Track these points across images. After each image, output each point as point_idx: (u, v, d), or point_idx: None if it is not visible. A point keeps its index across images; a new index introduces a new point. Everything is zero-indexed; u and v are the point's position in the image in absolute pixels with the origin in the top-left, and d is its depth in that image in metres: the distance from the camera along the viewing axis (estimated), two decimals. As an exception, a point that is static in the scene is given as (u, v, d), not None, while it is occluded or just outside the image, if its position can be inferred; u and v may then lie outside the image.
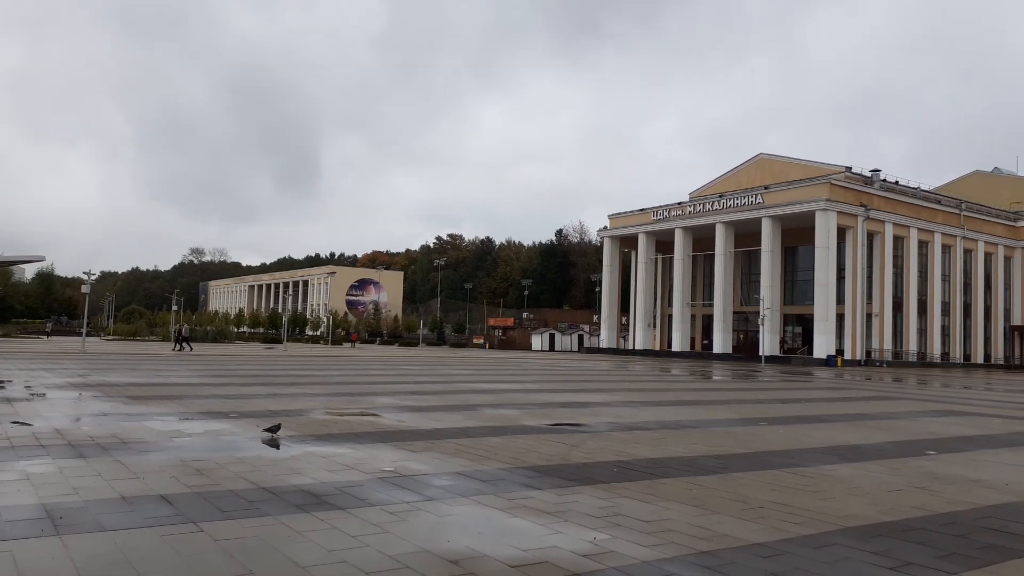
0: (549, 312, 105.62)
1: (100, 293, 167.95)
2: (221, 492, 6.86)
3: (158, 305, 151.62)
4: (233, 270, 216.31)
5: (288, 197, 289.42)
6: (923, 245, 65.95)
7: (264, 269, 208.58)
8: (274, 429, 10.50)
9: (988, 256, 71.37)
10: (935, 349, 66.07)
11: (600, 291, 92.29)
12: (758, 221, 63.17)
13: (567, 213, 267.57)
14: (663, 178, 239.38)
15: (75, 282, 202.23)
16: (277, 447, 9.68)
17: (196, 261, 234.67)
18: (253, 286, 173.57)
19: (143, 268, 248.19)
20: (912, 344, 64.63)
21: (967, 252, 69.49)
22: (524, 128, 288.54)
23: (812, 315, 62.09)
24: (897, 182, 68.34)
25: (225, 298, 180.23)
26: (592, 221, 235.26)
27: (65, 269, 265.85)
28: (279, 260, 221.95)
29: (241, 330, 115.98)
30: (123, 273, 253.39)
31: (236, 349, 53.85)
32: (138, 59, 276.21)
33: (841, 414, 17.12)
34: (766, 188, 64.60)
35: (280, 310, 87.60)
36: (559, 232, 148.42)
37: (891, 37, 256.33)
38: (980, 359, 69.96)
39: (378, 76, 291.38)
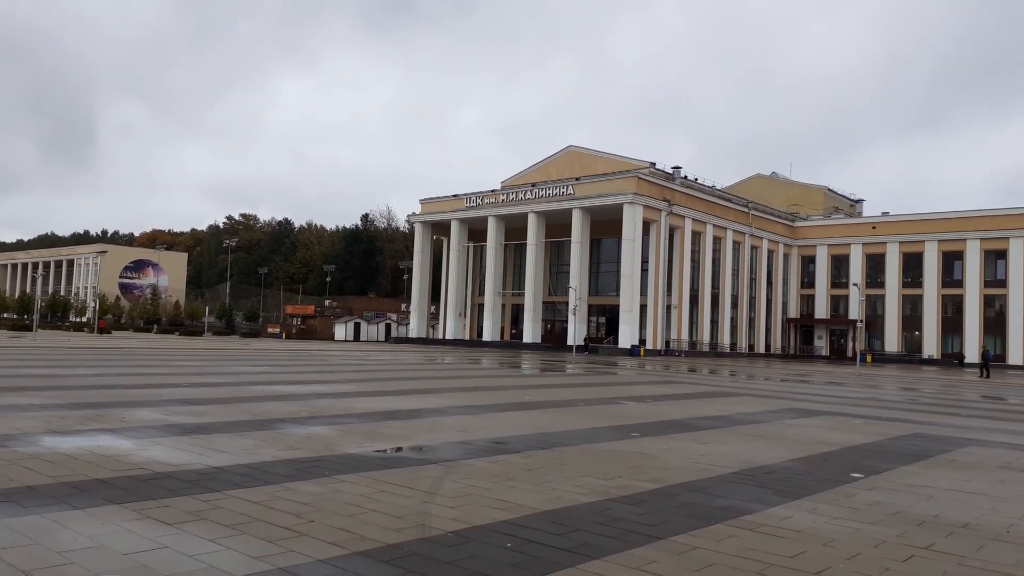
0: (354, 300, 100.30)
1: None
2: None
3: None
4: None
5: (54, 165, 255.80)
6: (717, 241, 69.26)
7: (21, 246, 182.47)
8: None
9: (771, 253, 76.71)
10: (725, 339, 69.75)
11: (410, 278, 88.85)
12: (568, 212, 62.94)
13: (373, 197, 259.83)
14: (469, 166, 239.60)
15: None
16: (-88, 526, 5.46)
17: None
18: (7, 265, 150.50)
19: None
20: (705, 335, 67.70)
21: (754, 249, 74.12)
22: (328, 106, 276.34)
23: (615, 306, 63.04)
24: (696, 180, 71.29)
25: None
26: (400, 207, 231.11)
27: None
28: (40, 237, 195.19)
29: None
30: None
31: (-33, 339, 44.21)
32: None
33: (703, 417, 15.19)
34: (577, 180, 64.52)
35: (35, 292, 74.66)
36: (365, 217, 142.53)
37: (681, 47, 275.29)
38: (762, 349, 75.08)
39: (165, 34, 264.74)
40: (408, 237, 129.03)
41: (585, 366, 38.76)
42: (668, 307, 63.06)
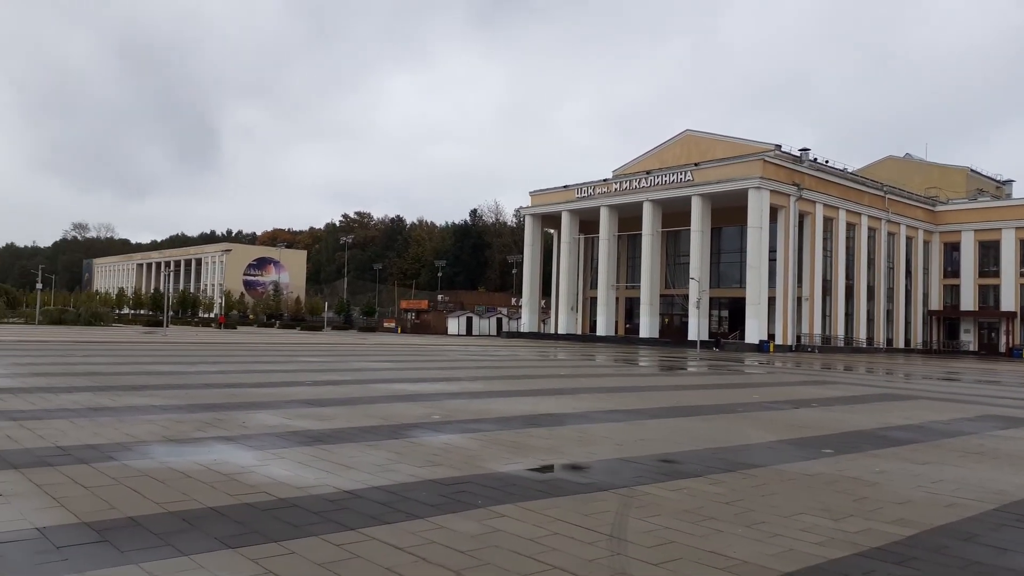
0: (465, 294, 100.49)
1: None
2: None
3: (34, 284, 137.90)
4: (121, 247, 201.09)
5: (184, 169, 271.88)
6: (851, 227, 64.48)
7: (155, 246, 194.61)
8: None
9: (909, 240, 70.82)
10: (860, 334, 64.83)
11: (519, 272, 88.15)
12: (685, 200, 60.04)
13: (481, 193, 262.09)
14: (578, 159, 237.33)
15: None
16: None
17: (80, 237, 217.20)
18: (142, 264, 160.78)
19: (20, 244, 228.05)
20: (840, 329, 63.12)
21: (890, 235, 68.57)
22: (438, 103, 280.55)
23: (737, 298, 59.86)
24: (827, 162, 66.55)
25: (111, 277, 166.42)
26: (508, 201, 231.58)
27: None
28: (171, 237, 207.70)
29: (124, 312, 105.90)
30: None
31: (105, 334, 46.28)
32: (14, 16, 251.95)
33: (892, 426, 12.86)
34: (696, 165, 61.41)
35: (166, 289, 78.66)
36: (474, 212, 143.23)
37: (799, 26, 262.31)
38: (901, 344, 69.42)
39: (283, 38, 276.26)
40: (516, 231, 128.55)
41: (714, 363, 36.28)
42: (798, 299, 59.07)
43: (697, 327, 54.94)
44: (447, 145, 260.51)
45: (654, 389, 19.13)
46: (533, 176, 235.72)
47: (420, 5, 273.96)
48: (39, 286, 66.02)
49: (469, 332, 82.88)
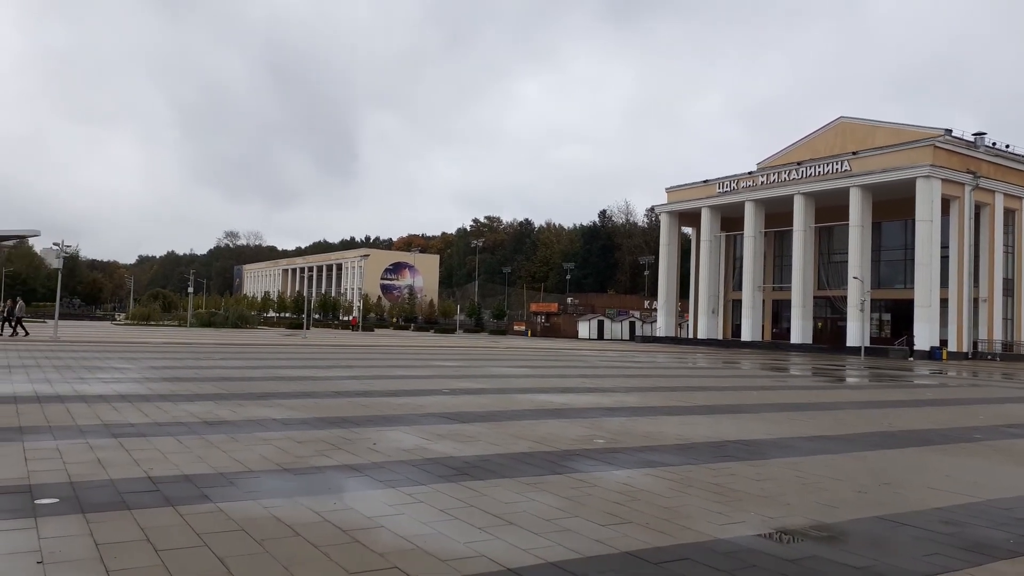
0: (595, 297, 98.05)
1: (137, 277, 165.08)
2: None
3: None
4: (268, 254, 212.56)
5: (326, 179, 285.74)
6: (1036, 220, 57.01)
7: (299, 253, 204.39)
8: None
9: (1109, 233, 61.86)
10: (1049, 340, 57.11)
11: (651, 274, 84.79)
12: (840, 193, 55.01)
13: (610, 194, 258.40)
14: (711, 156, 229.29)
15: (109, 266, 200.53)
16: None
17: (231, 245, 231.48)
18: (287, 270, 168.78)
19: (179, 252, 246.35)
20: (1024, 334, 55.87)
21: (1085, 228, 60.12)
22: (566, 104, 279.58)
23: (900, 300, 54.19)
24: (1008, 147, 59.18)
25: (259, 282, 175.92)
26: (638, 201, 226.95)
27: (105, 252, 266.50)
28: (314, 244, 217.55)
29: (269, 315, 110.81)
30: (160, 257, 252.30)
31: (247, 336, 47.35)
32: (175, 39, 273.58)
33: None
34: (854, 154, 56.08)
35: (307, 293, 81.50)
36: (602, 213, 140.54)
37: (948, 9, 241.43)
38: (1099, 352, 60.65)
39: (417, 48, 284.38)
40: (647, 232, 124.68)
41: (891, 374, 32.11)
42: (974, 301, 52.63)
43: (861, 332, 49.93)
44: (576, 146, 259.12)
45: (845, 407, 16.08)
46: (665, 174, 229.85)
47: (548, 6, 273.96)
48: (191, 290, 69.47)
49: (600, 336, 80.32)
